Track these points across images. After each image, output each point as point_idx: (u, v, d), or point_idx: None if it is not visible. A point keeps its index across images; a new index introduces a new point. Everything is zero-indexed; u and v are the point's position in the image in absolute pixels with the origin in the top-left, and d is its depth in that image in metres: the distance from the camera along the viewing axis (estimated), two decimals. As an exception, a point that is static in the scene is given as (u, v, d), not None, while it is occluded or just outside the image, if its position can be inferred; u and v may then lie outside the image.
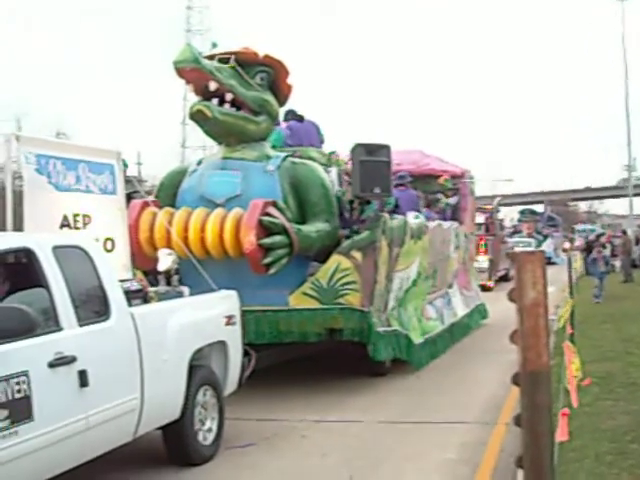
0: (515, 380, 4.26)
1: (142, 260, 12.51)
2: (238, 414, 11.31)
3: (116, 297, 8.07)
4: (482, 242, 35.21)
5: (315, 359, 15.73)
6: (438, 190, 21.18)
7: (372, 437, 10.58)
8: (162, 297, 10.37)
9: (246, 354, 10.73)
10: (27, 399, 6.56)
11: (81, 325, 7.41)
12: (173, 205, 13.38)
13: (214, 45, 13.88)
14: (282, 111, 14.70)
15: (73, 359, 7.12)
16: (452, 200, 21.12)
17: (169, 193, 13.80)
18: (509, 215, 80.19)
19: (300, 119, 15.86)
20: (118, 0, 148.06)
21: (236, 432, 10.56)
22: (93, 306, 7.82)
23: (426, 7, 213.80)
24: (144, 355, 8.15)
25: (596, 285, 28.51)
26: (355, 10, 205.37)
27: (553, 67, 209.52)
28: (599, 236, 42.93)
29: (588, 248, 44.79)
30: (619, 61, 52.41)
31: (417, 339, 15.13)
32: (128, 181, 12.11)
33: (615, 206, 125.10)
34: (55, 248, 7.49)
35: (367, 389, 13.47)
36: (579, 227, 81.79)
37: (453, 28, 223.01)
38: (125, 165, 13.47)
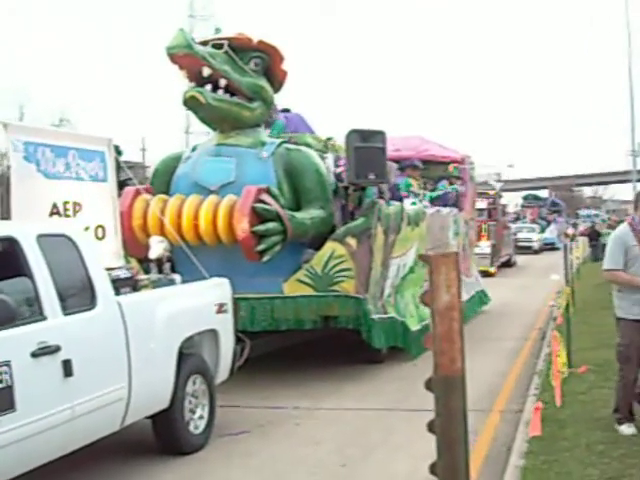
0: (428, 385, 4.06)
1: (135, 248, 12.45)
2: (232, 401, 11.40)
3: (103, 286, 7.99)
4: (484, 227, 35.15)
5: (310, 346, 15.70)
6: (441, 176, 21.10)
7: (366, 425, 10.55)
8: (154, 285, 10.33)
9: (240, 341, 10.68)
10: (9, 389, 6.49)
11: (66, 314, 7.34)
12: (167, 192, 13.31)
13: (217, 30, 13.79)
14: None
15: (57, 348, 7.05)
16: (460, 187, 21.01)
17: (163, 180, 13.72)
18: (513, 201, 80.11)
19: (287, 111, 15.83)
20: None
21: (230, 419, 10.57)
22: (79, 295, 7.75)
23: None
24: (131, 344, 8.08)
25: None
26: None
27: (558, 52, 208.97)
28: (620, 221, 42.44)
29: (594, 233, 44.85)
30: (624, 47, 52.11)
31: (414, 326, 15.04)
32: (121, 168, 12.05)
33: (620, 191, 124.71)
34: (40, 237, 7.41)
35: (363, 377, 13.41)
36: (583, 212, 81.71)
37: (459, 14, 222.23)
38: (119, 152, 13.40)
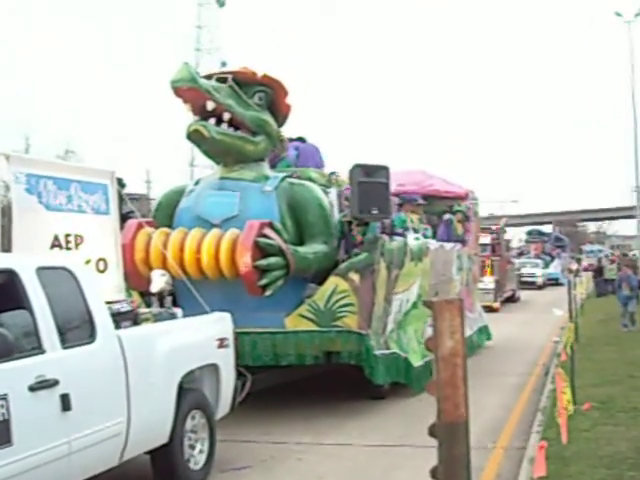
0: (432, 431, 4.09)
1: (137, 281, 12.40)
2: (234, 436, 11.31)
3: (102, 319, 7.94)
4: (488, 263, 35.11)
5: (313, 381, 15.61)
6: (444, 211, 21.04)
7: (368, 461, 10.48)
8: (156, 318, 10.28)
9: (241, 376, 10.62)
10: (6, 423, 6.42)
11: (65, 348, 7.28)
12: (170, 225, 13.28)
13: (223, 64, 13.85)
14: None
15: (55, 382, 6.98)
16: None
17: (166, 213, 13.70)
18: (517, 236, 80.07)
19: (303, 141, 15.81)
20: (129, 19, 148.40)
21: (232, 454, 10.52)
22: (78, 328, 7.69)
23: (431, 26, 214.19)
24: (131, 378, 8.01)
25: (621, 313, 24.46)
26: (358, 27, 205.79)
27: (564, 88, 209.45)
28: (625, 255, 42.23)
29: (599, 269, 44.74)
30: (627, 81, 52.05)
31: (417, 362, 14.95)
32: (124, 201, 12.04)
33: (624, 227, 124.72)
34: (39, 269, 7.37)
35: (366, 412, 13.34)
36: (587, 248, 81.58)
37: (458, 46, 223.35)
38: (122, 185, 13.42)
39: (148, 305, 11.59)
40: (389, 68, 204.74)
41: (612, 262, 43.23)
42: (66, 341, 7.33)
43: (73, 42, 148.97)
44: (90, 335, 7.72)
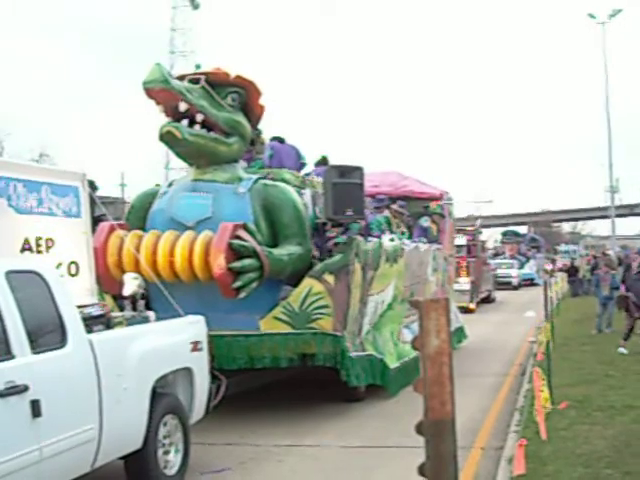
0: (419, 429, 4.07)
1: (110, 284, 12.29)
2: (214, 438, 11.41)
3: (73, 323, 7.81)
4: (463, 264, 35.22)
5: (290, 384, 15.51)
6: (421, 213, 20.97)
7: (347, 461, 10.50)
8: (128, 322, 10.17)
9: (215, 379, 10.52)
10: (-25, 430, 6.31)
11: (35, 353, 7.16)
12: (143, 228, 13.14)
13: (198, 67, 13.66)
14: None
15: (25, 388, 6.86)
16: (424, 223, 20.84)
17: (139, 215, 13.55)
18: (492, 237, 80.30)
19: (281, 141, 15.68)
20: (101, 20, 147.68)
21: (211, 456, 10.59)
22: (48, 333, 7.57)
23: (414, 35, 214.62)
24: (103, 383, 7.90)
25: (597, 314, 23.75)
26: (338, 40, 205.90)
27: (538, 88, 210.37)
28: (604, 254, 42.31)
29: (573, 269, 44.98)
30: (601, 83, 52.44)
31: (393, 364, 14.90)
32: (96, 204, 11.90)
33: (598, 227, 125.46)
34: (8, 273, 7.24)
35: (344, 413, 13.34)
36: (562, 248, 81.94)
37: (438, 49, 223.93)
38: (95, 187, 13.27)
39: (121, 309, 11.48)
40: (360, 70, 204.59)
41: (588, 262, 43.42)
42: (36, 346, 7.21)
43: (48, 44, 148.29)
44: (61, 340, 7.60)
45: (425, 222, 20.07)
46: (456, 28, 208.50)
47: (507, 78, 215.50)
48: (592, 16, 56.43)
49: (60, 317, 7.66)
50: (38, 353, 7.20)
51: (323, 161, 16.23)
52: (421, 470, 4.06)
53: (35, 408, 6.94)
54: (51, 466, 7.18)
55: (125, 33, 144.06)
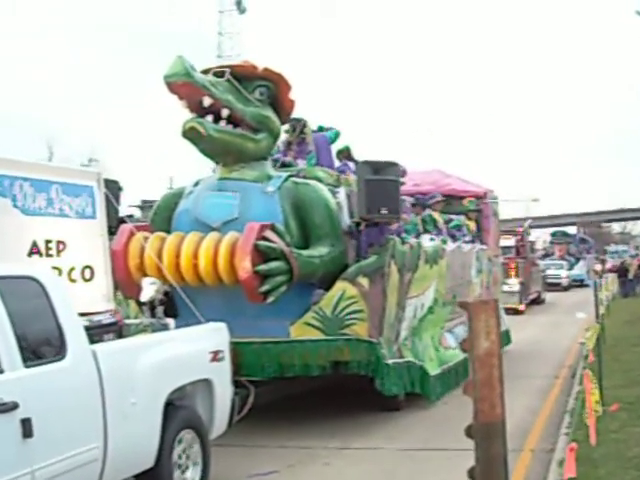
0: (468, 432, 4.12)
1: (131, 289, 11.61)
2: (261, 441, 11.44)
3: (74, 333, 7.14)
4: (512, 265, 34.81)
5: (325, 393, 14.92)
6: (461, 212, 20.21)
7: (395, 465, 10.36)
8: (154, 329, 9.60)
9: (242, 388, 9.91)
10: (-44, 453, 5.67)
11: (27, 366, 6.51)
12: (169, 229, 12.52)
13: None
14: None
15: (14, 406, 6.22)
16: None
17: (164, 216, 12.94)
18: (541, 237, 79.42)
19: (320, 130, 15.06)
20: (151, 26, 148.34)
21: (259, 459, 10.53)
22: (45, 345, 6.91)
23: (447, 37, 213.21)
24: (107, 398, 7.24)
25: None
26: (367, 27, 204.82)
27: (588, 85, 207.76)
28: None
29: (623, 269, 44.25)
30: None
31: (433, 370, 14.18)
32: (115, 205, 11.33)
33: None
34: (0, 279, 6.61)
35: (392, 417, 12.99)
36: (611, 248, 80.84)
37: (475, 41, 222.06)
38: (119, 188, 12.70)
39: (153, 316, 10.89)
40: (397, 66, 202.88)
41: (638, 262, 42.80)
42: (29, 359, 6.57)
43: (95, 46, 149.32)
44: (59, 352, 6.94)
45: (458, 220, 19.13)
46: (496, 22, 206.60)
47: (552, 74, 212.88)
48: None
49: (59, 326, 7.01)
50: (31, 367, 6.55)
51: (346, 152, 15.43)
52: (471, 474, 4.13)
53: (26, 427, 6.29)
54: (46, 491, 6.52)
55: (172, 37, 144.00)
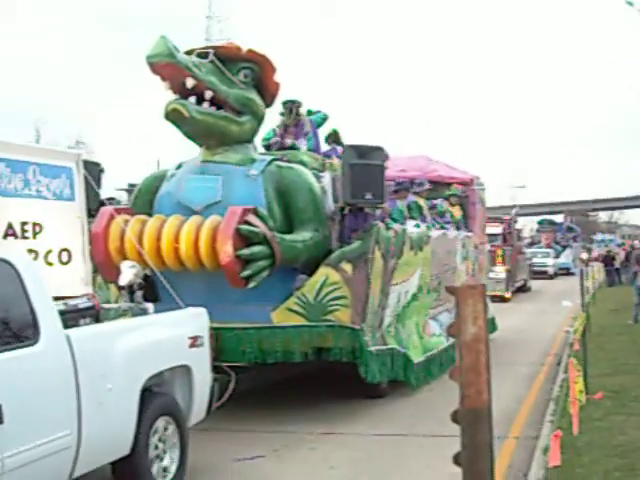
0: (455, 417, 4.07)
1: (111, 272, 11.41)
2: (246, 426, 11.44)
3: (48, 317, 6.94)
4: (499, 253, 34.83)
5: (307, 379, 14.81)
6: (446, 198, 20.02)
7: (381, 450, 10.39)
8: (133, 314, 9.41)
9: (218, 373, 9.76)
10: None
11: (-2, 351, 6.31)
12: (150, 212, 12.31)
13: None
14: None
15: (-17, 392, 6.03)
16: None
17: (146, 199, 12.71)
18: (528, 225, 79.45)
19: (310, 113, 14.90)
20: (137, 8, 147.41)
21: (244, 444, 10.53)
22: (15, 329, 6.69)
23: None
24: (82, 384, 7.04)
25: (634, 303, 22.88)
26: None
27: (577, 74, 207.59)
28: (633, 247, 41.73)
29: (609, 258, 44.30)
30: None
31: (417, 358, 14.02)
32: (100, 187, 11.15)
33: (635, 216, 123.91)
34: (-31, 261, 6.43)
35: (377, 402, 13.01)
36: (598, 237, 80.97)
37: (472, 26, 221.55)
38: (101, 170, 12.52)
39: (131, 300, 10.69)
40: (389, 54, 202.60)
41: (624, 251, 42.87)
42: (0, 344, 6.37)
43: (83, 35, 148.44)
44: (31, 336, 6.74)
45: (440, 206, 18.91)
46: (488, 16, 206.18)
47: (547, 63, 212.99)
48: (630, 3, 55.10)
49: (32, 310, 6.80)
50: (2, 352, 6.34)
51: (334, 135, 15.23)
52: (456, 459, 4.10)
53: (-5, 414, 6.10)
54: (17, 479, 6.34)
55: (160, 20, 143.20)
